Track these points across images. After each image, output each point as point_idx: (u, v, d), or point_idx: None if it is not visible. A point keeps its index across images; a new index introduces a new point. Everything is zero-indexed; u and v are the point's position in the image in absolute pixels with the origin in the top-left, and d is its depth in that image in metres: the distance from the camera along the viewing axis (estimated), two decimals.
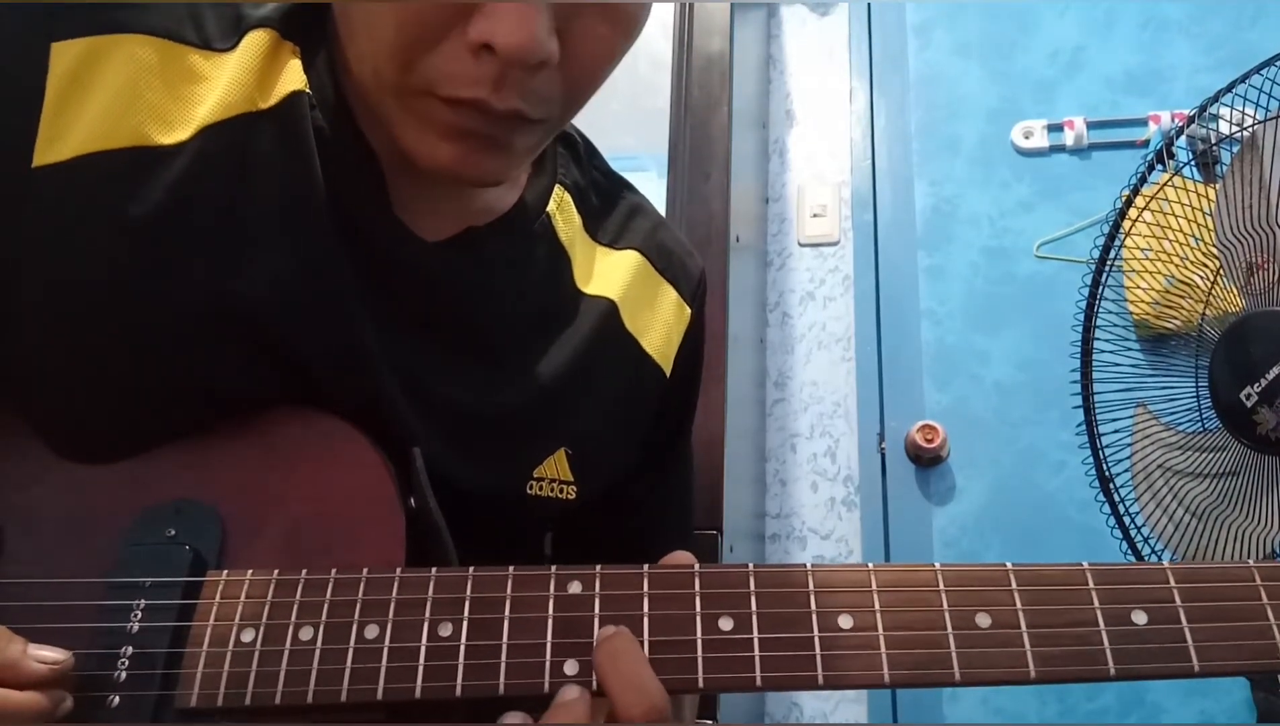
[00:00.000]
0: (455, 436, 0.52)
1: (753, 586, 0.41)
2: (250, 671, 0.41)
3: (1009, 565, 0.41)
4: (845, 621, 0.40)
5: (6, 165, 0.44)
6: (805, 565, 0.41)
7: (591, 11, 0.44)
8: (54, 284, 0.45)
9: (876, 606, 0.40)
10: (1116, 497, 1.03)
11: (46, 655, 0.39)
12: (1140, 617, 0.39)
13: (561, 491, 0.56)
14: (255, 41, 0.49)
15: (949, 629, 0.40)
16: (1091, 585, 0.40)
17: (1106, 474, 1.04)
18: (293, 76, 0.49)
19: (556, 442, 0.56)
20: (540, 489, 0.55)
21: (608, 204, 0.65)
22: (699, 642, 0.40)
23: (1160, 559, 1.00)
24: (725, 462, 1.19)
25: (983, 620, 0.40)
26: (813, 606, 0.40)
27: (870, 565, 0.41)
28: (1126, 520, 1.03)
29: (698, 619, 0.40)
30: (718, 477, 1.18)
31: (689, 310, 0.67)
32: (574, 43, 0.44)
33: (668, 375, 0.64)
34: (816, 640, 0.40)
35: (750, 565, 0.42)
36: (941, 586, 0.41)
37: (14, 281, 0.45)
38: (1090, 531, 1.46)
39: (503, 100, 0.43)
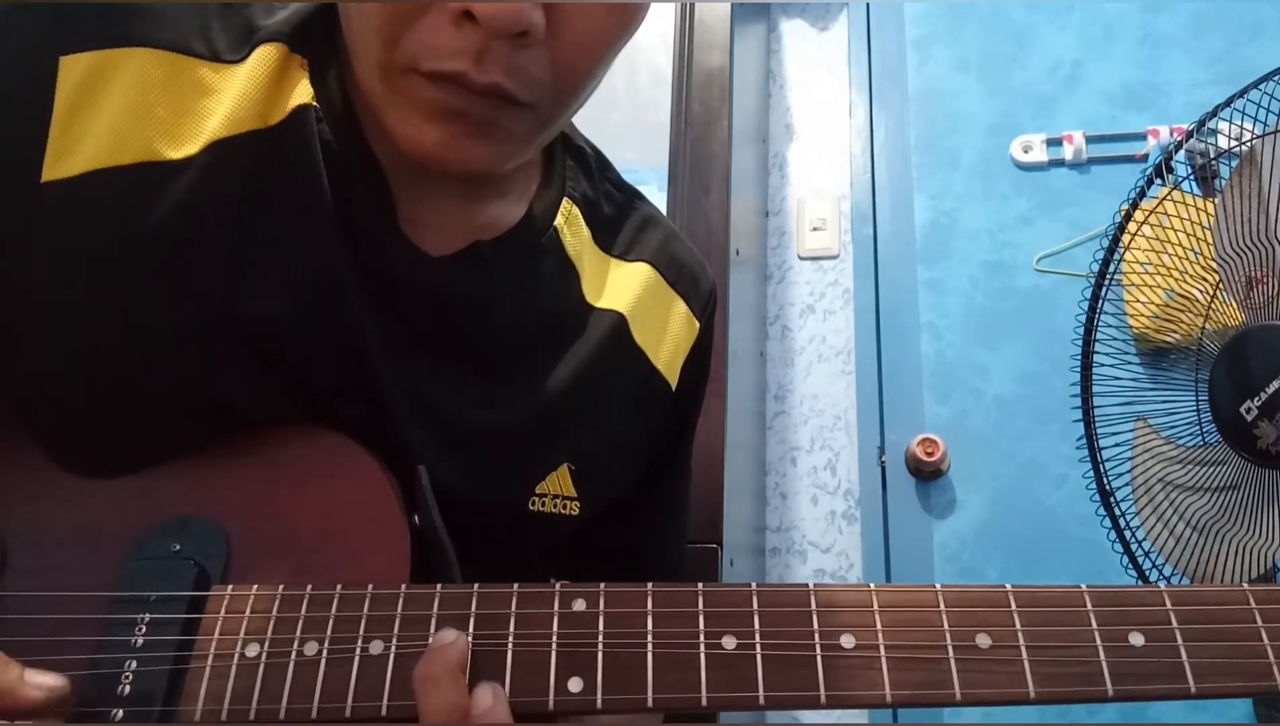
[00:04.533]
0: (458, 452, 0.52)
1: (755, 605, 0.41)
2: (255, 686, 0.41)
3: (1008, 586, 0.41)
4: (847, 641, 0.40)
5: (15, 180, 0.44)
6: (808, 585, 0.42)
7: None
8: (62, 298, 0.45)
9: (878, 626, 0.40)
10: (1117, 511, 1.03)
11: (43, 681, 0.38)
12: (1137, 639, 0.40)
13: (565, 507, 0.56)
14: (265, 55, 0.49)
15: (950, 648, 0.40)
16: (1089, 606, 0.41)
17: (1107, 487, 1.03)
18: (301, 91, 0.49)
19: (560, 458, 0.56)
20: (543, 505, 0.55)
21: (619, 215, 0.65)
22: (702, 660, 0.40)
23: (1161, 572, 1.00)
24: (725, 476, 1.19)
25: (983, 640, 0.40)
26: (815, 625, 0.40)
27: (872, 585, 0.41)
28: (1127, 534, 1.02)
29: (701, 637, 0.40)
30: (718, 491, 1.18)
31: (698, 324, 0.66)
32: (563, 22, 0.44)
33: (674, 389, 0.64)
34: (819, 659, 0.40)
35: (753, 584, 0.42)
36: (942, 606, 0.41)
37: (22, 295, 0.45)
38: (1091, 545, 1.46)
39: (484, 73, 0.43)
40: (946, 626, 0.40)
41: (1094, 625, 0.40)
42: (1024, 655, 0.40)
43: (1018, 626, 0.40)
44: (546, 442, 0.56)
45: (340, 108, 0.51)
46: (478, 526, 0.51)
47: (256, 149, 0.48)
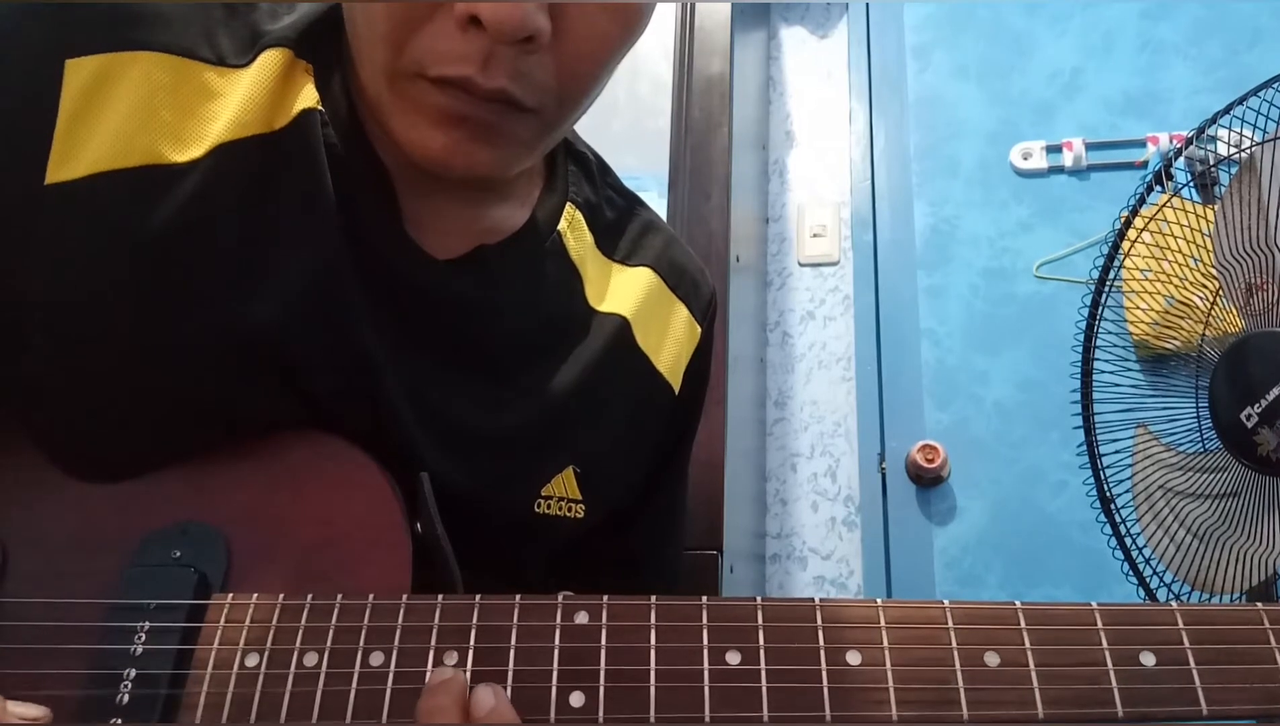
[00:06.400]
0: (463, 455, 0.52)
1: (760, 620, 0.40)
2: (254, 696, 0.40)
3: (1018, 604, 0.41)
4: (853, 658, 0.39)
5: (19, 182, 0.44)
6: (814, 600, 0.41)
7: None
8: (64, 301, 0.45)
9: (885, 643, 0.40)
10: (1118, 518, 1.03)
11: (25, 712, 0.38)
12: (1148, 659, 0.39)
13: (570, 510, 0.56)
14: (270, 60, 0.49)
15: (957, 667, 0.39)
16: (1100, 625, 0.40)
17: (1107, 494, 1.03)
18: (306, 95, 0.49)
19: (565, 461, 0.56)
20: (548, 507, 0.55)
21: (621, 220, 0.65)
22: (706, 676, 0.39)
23: (1162, 579, 1.00)
24: (725, 482, 1.19)
25: (991, 659, 0.39)
26: (821, 642, 0.40)
27: (879, 601, 0.41)
28: (1128, 541, 1.02)
29: (705, 652, 0.40)
30: (718, 497, 1.18)
31: (699, 329, 0.67)
32: (568, 27, 0.44)
33: (676, 392, 0.64)
34: (824, 676, 0.39)
35: (758, 599, 0.41)
36: (950, 624, 0.40)
37: (24, 298, 0.45)
38: (1091, 552, 1.46)
39: (490, 79, 0.43)
40: (954, 645, 0.39)
41: (1104, 644, 0.39)
42: (1033, 675, 0.39)
43: (1027, 645, 0.39)
44: (551, 445, 0.56)
45: (345, 112, 0.51)
46: (482, 528, 0.51)
47: (261, 153, 0.48)
